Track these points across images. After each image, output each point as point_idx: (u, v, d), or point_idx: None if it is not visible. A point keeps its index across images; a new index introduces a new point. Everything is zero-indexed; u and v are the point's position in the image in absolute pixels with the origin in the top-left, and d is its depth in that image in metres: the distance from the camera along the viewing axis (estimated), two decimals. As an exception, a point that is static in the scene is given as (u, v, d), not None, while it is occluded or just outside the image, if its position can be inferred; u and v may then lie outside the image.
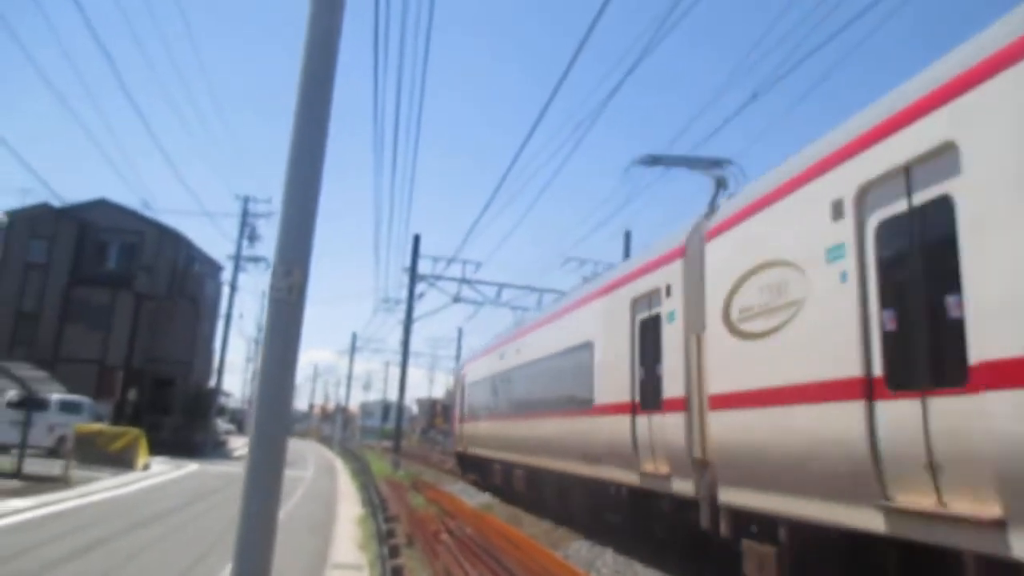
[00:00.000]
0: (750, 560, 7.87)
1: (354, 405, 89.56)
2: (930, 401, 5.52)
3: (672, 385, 10.05)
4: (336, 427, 63.51)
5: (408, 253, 34.65)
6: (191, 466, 26.72)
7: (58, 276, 36.26)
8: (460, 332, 65.60)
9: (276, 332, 3.87)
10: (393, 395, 54.78)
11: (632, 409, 11.39)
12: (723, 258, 8.94)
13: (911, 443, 5.62)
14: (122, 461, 22.77)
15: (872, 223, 6.38)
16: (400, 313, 37.74)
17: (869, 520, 6.10)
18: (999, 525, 4.89)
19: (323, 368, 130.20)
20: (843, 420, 6.37)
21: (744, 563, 7.95)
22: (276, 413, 3.80)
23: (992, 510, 4.98)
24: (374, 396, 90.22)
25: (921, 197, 5.83)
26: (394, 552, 9.17)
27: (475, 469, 25.52)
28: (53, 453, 24.13)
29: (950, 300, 5.45)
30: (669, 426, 10.01)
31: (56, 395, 24.35)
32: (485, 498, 20.64)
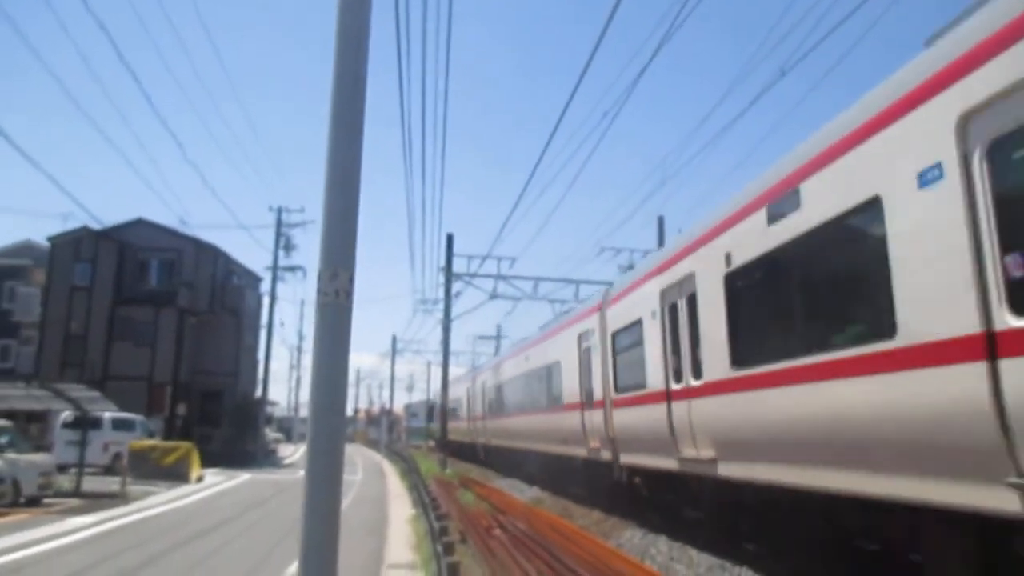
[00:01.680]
0: (636, 491, 14.05)
1: (398, 407, 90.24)
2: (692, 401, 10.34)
3: (597, 391, 15.23)
4: (382, 430, 63.95)
5: (442, 253, 34.78)
6: (243, 476, 27.13)
7: (102, 297, 37.00)
8: (499, 328, 65.64)
9: (326, 336, 3.88)
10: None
11: (581, 407, 16.44)
12: (612, 315, 14.39)
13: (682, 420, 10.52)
14: (176, 474, 23.20)
15: (666, 305, 11.49)
16: (438, 313, 37.87)
17: (671, 464, 11.06)
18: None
19: (366, 372, 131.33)
20: (661, 411, 11.21)
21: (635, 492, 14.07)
22: (331, 417, 3.83)
23: None
24: (417, 397, 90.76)
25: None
26: (449, 549, 9.20)
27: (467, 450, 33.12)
28: (109, 470, 24.64)
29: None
30: (596, 418, 15.26)
31: (108, 413, 24.88)
32: (535, 492, 20.65)
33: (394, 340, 68.66)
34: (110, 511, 15.66)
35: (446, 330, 34.85)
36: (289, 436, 70.58)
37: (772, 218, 7.93)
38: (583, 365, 16.44)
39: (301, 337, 65.30)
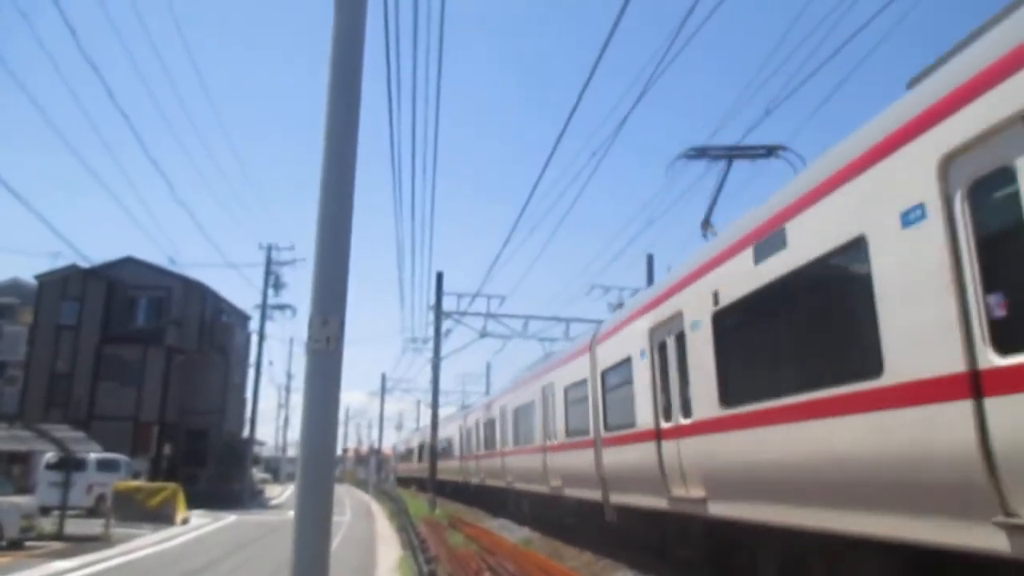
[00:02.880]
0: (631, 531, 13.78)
1: (387, 446, 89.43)
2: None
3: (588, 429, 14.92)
4: (370, 470, 63.33)
5: (432, 291, 34.79)
6: (230, 517, 26.76)
7: (89, 335, 36.75)
8: (488, 367, 65.49)
9: (316, 382, 3.88)
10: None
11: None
12: (602, 354, 14.24)
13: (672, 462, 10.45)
14: (161, 516, 22.87)
15: (655, 343, 11.38)
16: (428, 352, 37.76)
17: (660, 503, 10.82)
18: None
19: (355, 411, 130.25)
20: (650, 451, 11.03)
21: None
22: (321, 462, 3.81)
23: None
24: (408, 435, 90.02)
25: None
26: (438, 593, 9.10)
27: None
28: (93, 512, 24.27)
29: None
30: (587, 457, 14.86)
31: (93, 454, 24.56)
32: (525, 532, 20.44)
33: (383, 379, 68.39)
34: (93, 555, 15.40)
35: (435, 369, 34.73)
36: (276, 476, 69.79)
37: (759, 257, 7.96)
38: (569, 406, 16.62)
39: (290, 376, 64.83)
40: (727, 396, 8.72)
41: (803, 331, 7.40)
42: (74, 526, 19.20)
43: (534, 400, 19.97)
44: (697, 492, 9.63)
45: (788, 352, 7.63)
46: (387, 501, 35.00)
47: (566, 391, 16.70)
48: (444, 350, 34.87)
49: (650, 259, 38.56)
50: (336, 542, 18.04)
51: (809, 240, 7.02)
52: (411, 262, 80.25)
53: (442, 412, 36.77)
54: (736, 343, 8.78)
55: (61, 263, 35.95)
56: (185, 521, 23.84)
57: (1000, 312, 4.75)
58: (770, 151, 11.91)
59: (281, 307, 41.12)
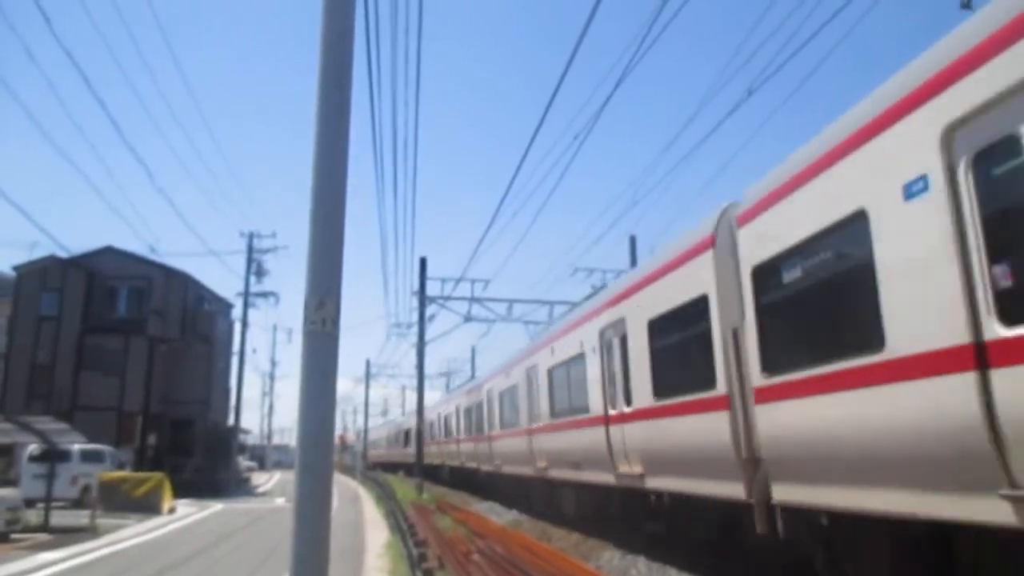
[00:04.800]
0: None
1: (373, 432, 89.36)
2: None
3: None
4: (357, 456, 63.36)
5: (416, 276, 34.72)
6: (216, 506, 26.72)
7: (70, 326, 36.42)
8: (473, 351, 65.49)
9: (313, 364, 3.88)
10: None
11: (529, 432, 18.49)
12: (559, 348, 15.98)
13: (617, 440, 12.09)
14: (148, 506, 22.80)
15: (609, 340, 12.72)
16: (413, 337, 37.76)
17: (609, 479, 12.58)
18: None
19: (340, 397, 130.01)
20: (599, 434, 12.70)
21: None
22: (319, 444, 3.82)
23: None
24: (395, 420, 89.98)
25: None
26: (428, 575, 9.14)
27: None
28: (79, 504, 24.15)
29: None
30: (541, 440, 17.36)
31: (77, 445, 24.39)
32: (513, 515, 20.54)
33: (368, 365, 68.27)
34: (80, 545, 15.34)
35: (420, 354, 34.73)
36: (262, 464, 69.66)
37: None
38: (530, 391, 18.93)
39: (274, 363, 64.69)
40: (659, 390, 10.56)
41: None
42: (60, 518, 19.09)
43: (480, 399, 24.87)
44: (638, 469, 11.35)
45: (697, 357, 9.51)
46: (374, 487, 35.03)
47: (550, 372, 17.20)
48: (429, 335, 34.86)
49: (633, 240, 38.59)
50: (324, 528, 18.03)
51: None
52: (394, 248, 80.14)
53: (428, 397, 36.78)
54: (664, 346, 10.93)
55: (39, 253, 35.63)
56: (171, 511, 23.78)
57: (1006, 282, 4.74)
58: None
59: (264, 294, 40.97)
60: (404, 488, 31.80)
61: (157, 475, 24.72)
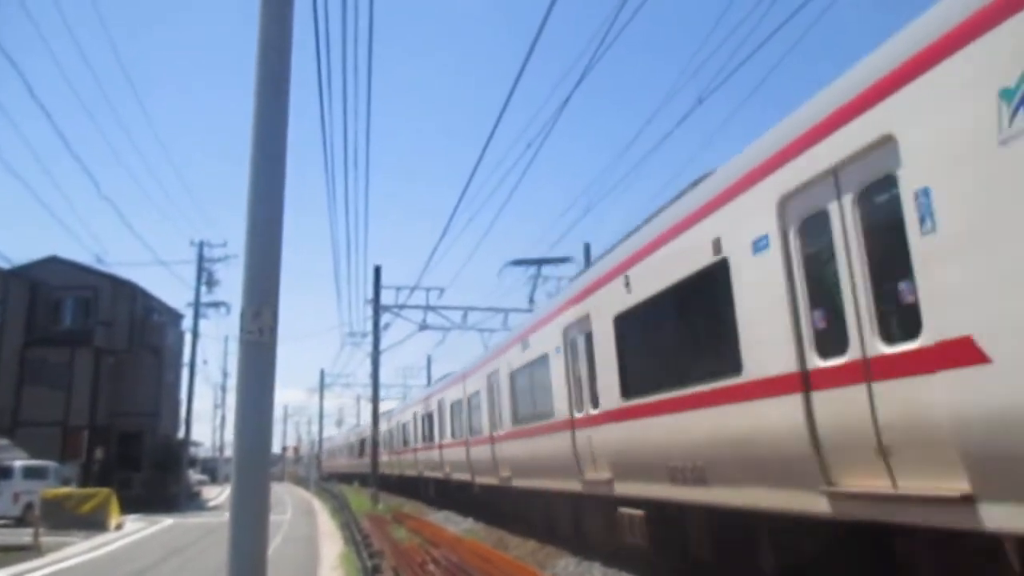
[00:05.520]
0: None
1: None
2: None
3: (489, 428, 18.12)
4: (311, 467, 62.59)
5: (370, 284, 34.46)
6: (166, 521, 26.17)
7: (12, 338, 35.37)
8: (429, 359, 65.25)
9: (250, 374, 3.80)
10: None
11: (491, 439, 17.95)
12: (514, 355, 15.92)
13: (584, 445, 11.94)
14: (94, 523, 22.23)
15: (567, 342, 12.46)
16: (367, 346, 37.42)
17: (576, 486, 12.21)
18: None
19: (293, 408, 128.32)
20: (564, 442, 12.40)
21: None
22: (256, 457, 3.73)
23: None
24: (346, 431, 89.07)
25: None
26: (381, 587, 9.04)
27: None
28: (21, 522, 23.44)
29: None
30: (498, 449, 17.27)
31: (19, 462, 23.76)
32: (468, 524, 20.47)
33: (322, 375, 67.59)
34: (22, 565, 14.90)
35: (375, 363, 34.51)
36: (214, 477, 68.36)
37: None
38: (491, 400, 18.32)
39: (225, 375, 63.52)
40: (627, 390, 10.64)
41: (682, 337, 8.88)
42: (2, 536, 18.53)
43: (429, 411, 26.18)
44: (606, 475, 10.85)
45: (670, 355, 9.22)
46: (329, 498, 34.63)
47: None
48: (383, 344, 34.68)
49: (587, 248, 38.82)
50: (277, 541, 17.79)
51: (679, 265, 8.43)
52: (347, 256, 79.42)
53: (382, 406, 36.56)
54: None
55: (-22, 265, 34.48)
56: (119, 527, 23.22)
57: (822, 325, 6.15)
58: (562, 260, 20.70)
59: (215, 304, 40.24)
60: (359, 499, 31.49)
61: (104, 491, 24.11)
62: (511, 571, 11.33)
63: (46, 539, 18.55)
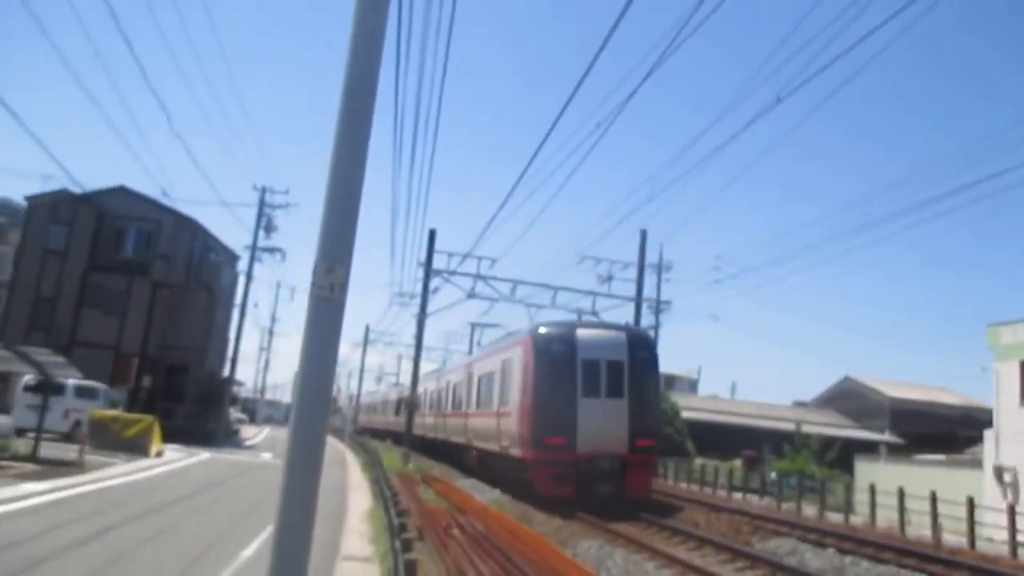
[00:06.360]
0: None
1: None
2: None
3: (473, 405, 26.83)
4: (347, 419, 63.62)
5: (423, 247, 34.64)
6: (203, 454, 26.90)
7: (76, 262, 36.51)
8: (472, 328, 65.51)
9: (316, 330, 3.86)
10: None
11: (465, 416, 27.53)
12: (478, 366, 26.74)
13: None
14: (136, 447, 22.95)
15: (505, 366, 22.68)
16: (414, 307, 37.75)
17: (496, 447, 22.56)
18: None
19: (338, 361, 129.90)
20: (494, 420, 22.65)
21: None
22: (315, 412, 3.82)
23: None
24: (386, 388, 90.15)
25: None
26: (407, 546, 9.17)
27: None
28: (68, 438, 24.33)
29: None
30: (472, 422, 26.16)
31: (72, 380, 24.54)
32: (495, 495, 20.65)
33: (367, 331, 68.23)
34: (66, 479, 15.45)
35: (420, 325, 34.76)
36: (253, 417, 69.99)
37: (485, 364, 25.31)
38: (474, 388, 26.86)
39: (274, 319, 64.80)
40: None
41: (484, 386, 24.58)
42: (49, 450, 19.24)
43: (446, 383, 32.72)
44: (507, 441, 21.33)
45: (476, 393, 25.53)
46: (361, 452, 35.20)
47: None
48: (431, 307, 34.88)
49: (643, 234, 38.51)
50: (308, 488, 18.12)
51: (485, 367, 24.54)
52: (405, 217, 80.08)
53: (422, 368, 36.92)
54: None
55: (53, 187, 35.51)
56: (159, 454, 23.95)
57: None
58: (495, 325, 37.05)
59: (271, 250, 40.96)
60: (391, 456, 31.95)
61: (148, 418, 24.85)
62: (536, 546, 11.40)
63: (90, 457, 19.24)
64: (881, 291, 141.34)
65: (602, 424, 18.80)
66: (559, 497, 17.79)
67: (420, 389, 38.54)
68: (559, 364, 19.03)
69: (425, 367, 40.37)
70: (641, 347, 20.27)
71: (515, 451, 19.83)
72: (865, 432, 51.91)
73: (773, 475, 31.33)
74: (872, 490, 21.42)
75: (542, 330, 20.13)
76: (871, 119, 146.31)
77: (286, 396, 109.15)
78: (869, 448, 40.80)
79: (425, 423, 36.22)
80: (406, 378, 47.76)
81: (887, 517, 20.31)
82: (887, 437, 50.40)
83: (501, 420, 21.28)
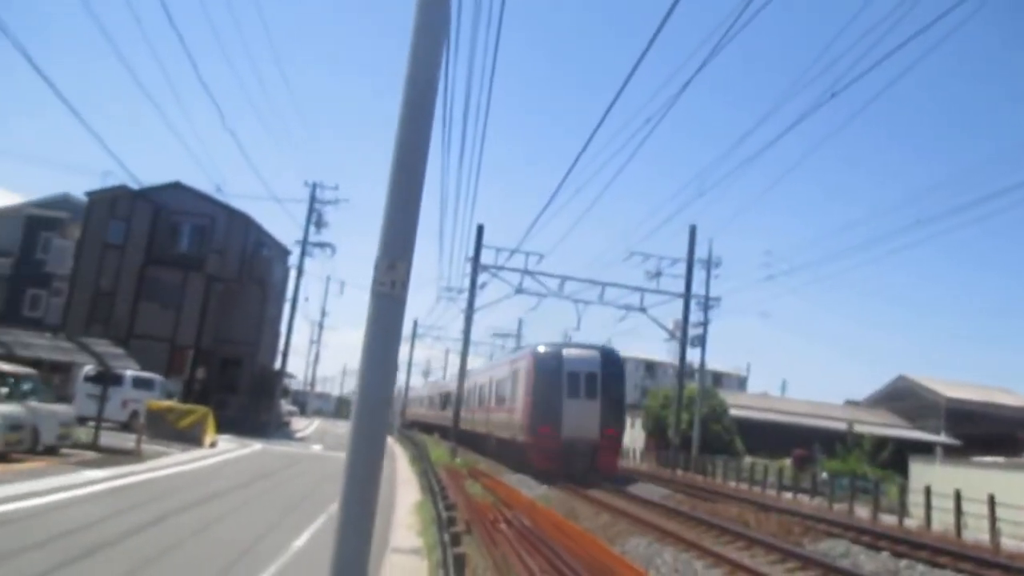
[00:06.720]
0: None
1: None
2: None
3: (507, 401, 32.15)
4: (395, 413, 64.18)
5: (471, 242, 34.77)
6: (256, 445, 27.39)
7: (134, 256, 37.39)
8: (520, 323, 65.68)
9: (377, 326, 3.89)
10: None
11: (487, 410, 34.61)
12: (492, 374, 35.79)
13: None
14: (191, 438, 23.44)
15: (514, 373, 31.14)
16: (462, 302, 37.94)
17: (515, 436, 28.61)
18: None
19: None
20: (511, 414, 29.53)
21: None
22: (376, 408, 3.86)
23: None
24: (432, 383, 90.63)
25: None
26: (456, 540, 9.23)
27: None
28: (126, 427, 24.97)
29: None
30: (491, 416, 33.40)
31: (130, 371, 25.16)
32: (543, 490, 20.66)
33: (415, 326, 68.76)
34: (124, 467, 15.87)
35: (468, 320, 34.98)
36: (303, 410, 71.00)
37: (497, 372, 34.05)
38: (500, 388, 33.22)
39: (324, 314, 65.64)
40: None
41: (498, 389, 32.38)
42: (107, 438, 19.77)
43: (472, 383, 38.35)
44: (520, 430, 27.51)
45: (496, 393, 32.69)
46: (409, 446, 35.52)
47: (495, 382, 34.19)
48: (478, 302, 35.09)
49: (692, 229, 38.12)
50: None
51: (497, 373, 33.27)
52: (453, 211, 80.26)
53: (470, 363, 37.15)
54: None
55: (111, 182, 36.37)
56: (213, 444, 24.44)
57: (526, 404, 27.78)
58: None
59: (321, 245, 41.51)
60: (438, 450, 32.18)
61: (203, 408, 25.37)
62: (583, 543, 11.40)
63: (147, 446, 19.73)
64: (936, 289, 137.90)
65: (580, 417, 25.32)
66: (549, 470, 24.11)
67: (453, 388, 41.88)
68: (550, 374, 25.97)
69: (472, 362, 40.94)
70: (611, 363, 27.21)
71: (520, 437, 27.08)
72: (920, 433, 50.79)
73: (824, 475, 30.83)
74: (927, 492, 20.90)
75: (540, 349, 27.65)
76: (913, 121, 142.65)
77: (335, 389, 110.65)
78: (924, 449, 39.92)
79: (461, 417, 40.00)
80: (451, 372, 48.24)
81: (943, 520, 19.81)
82: (943, 438, 49.25)
83: (511, 415, 28.68)
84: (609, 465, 25.91)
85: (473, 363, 41.77)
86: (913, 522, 20.86)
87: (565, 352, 26.87)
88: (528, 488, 20.95)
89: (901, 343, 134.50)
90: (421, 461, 23.59)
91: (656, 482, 26.88)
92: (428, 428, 55.20)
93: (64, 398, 22.24)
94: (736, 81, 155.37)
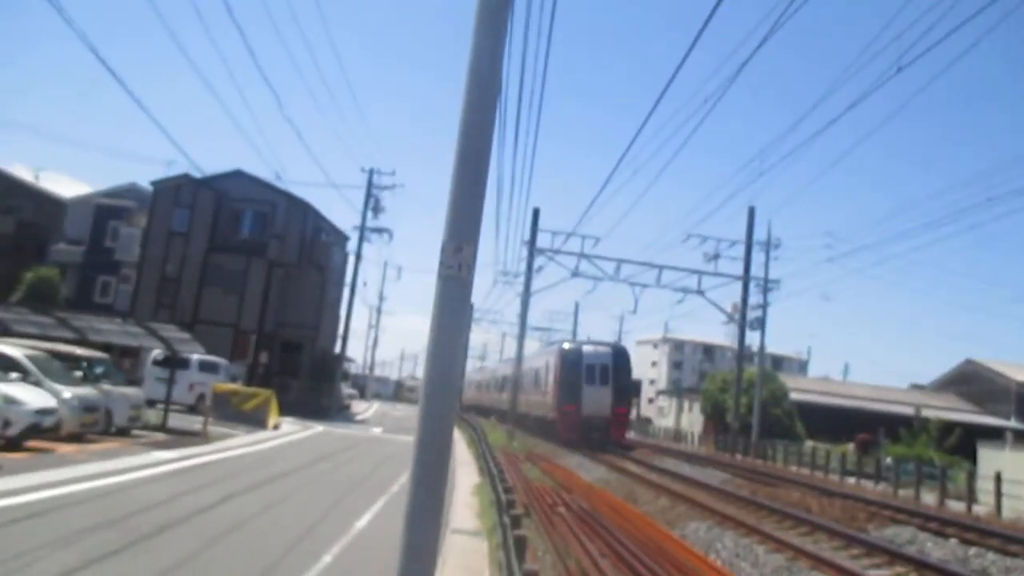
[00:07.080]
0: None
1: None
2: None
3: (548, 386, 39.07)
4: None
5: (527, 226, 34.75)
6: (317, 428, 27.92)
7: (198, 243, 38.33)
8: (577, 307, 65.56)
9: (445, 308, 3.91)
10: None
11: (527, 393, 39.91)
12: (531, 363, 41.71)
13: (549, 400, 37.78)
14: (255, 420, 24.00)
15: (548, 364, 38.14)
16: (518, 286, 38.04)
17: (548, 413, 36.55)
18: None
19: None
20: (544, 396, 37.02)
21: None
22: (445, 390, 3.90)
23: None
24: (491, 368, 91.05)
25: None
26: (516, 522, 9.29)
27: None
28: (193, 409, 25.67)
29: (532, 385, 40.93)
30: (529, 397, 39.25)
31: (196, 355, 25.84)
32: (601, 473, 20.65)
33: (471, 309, 69.10)
34: (192, 448, 16.35)
35: (524, 304, 35.04)
36: (363, 393, 72.04)
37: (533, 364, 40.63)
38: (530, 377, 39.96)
39: (382, 298, 66.38)
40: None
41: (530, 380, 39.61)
42: (175, 420, 20.37)
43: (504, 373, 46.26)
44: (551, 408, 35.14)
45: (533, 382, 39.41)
46: (467, 428, 35.82)
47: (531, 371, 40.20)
48: (534, 286, 35.13)
49: (751, 211, 37.49)
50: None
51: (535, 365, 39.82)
52: (510, 195, 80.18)
53: (533, 344, 37.38)
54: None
55: (175, 172, 37.29)
56: (276, 427, 24.99)
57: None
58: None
59: (379, 230, 41.92)
60: (496, 433, 32.41)
61: (266, 392, 25.95)
62: (641, 526, 11.37)
63: (213, 428, 20.27)
64: (1006, 271, 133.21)
65: (596, 399, 32.28)
66: (571, 439, 30.85)
67: (502, 373, 48.77)
68: (573, 365, 33.03)
69: (529, 346, 42.24)
70: (620, 357, 34.26)
71: (549, 415, 34.79)
72: (989, 417, 49.31)
73: (888, 460, 30.14)
74: (998, 478, 20.30)
75: (565, 346, 35.75)
76: (992, 87, 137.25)
77: (394, 372, 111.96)
78: (993, 434, 38.70)
79: (503, 399, 45.59)
80: (506, 355, 48.86)
81: (1014, 507, 19.24)
82: (1013, 423, 47.74)
83: (544, 396, 36.10)
84: (620, 435, 33.76)
85: (529, 347, 43.33)
86: (982, 509, 20.29)
87: (584, 348, 34.51)
88: (586, 471, 20.96)
89: (969, 326, 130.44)
90: (478, 444, 23.78)
91: (715, 466, 26.61)
92: (486, 411, 55.65)
93: (134, 381, 22.95)
94: (795, 59, 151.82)
